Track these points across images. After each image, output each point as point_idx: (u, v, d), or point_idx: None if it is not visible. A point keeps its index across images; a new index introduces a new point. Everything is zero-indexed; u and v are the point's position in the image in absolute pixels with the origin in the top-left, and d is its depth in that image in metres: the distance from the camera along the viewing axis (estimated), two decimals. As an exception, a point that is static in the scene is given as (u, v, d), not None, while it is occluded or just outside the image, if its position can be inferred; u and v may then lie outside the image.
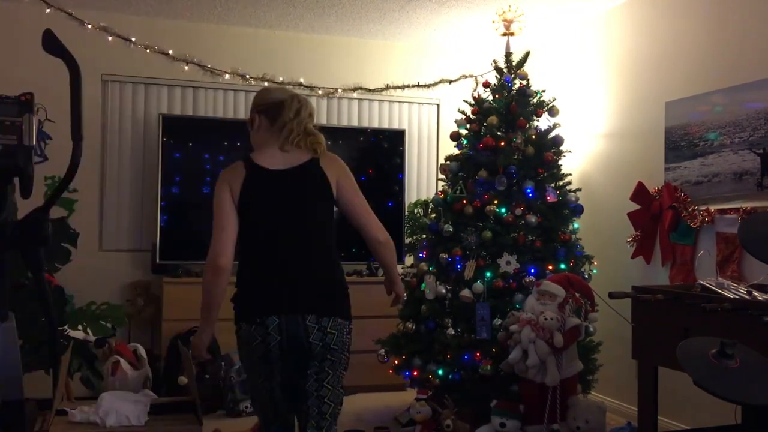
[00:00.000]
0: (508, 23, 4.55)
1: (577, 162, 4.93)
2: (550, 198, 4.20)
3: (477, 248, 4.12)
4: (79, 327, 3.82)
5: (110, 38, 5.02)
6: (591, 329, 4.09)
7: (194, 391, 3.03)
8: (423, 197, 5.60)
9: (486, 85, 4.50)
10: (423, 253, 4.40)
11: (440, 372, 4.04)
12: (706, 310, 2.76)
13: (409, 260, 5.22)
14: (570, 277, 3.86)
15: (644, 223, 4.29)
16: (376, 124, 5.70)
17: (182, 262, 5.00)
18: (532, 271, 4.07)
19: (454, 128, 4.53)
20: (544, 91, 4.45)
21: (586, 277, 4.19)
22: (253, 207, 2.46)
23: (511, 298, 4.03)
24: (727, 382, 2.18)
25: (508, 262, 4.06)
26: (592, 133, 4.92)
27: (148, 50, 5.11)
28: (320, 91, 5.52)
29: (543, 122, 4.42)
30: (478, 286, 4.01)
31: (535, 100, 4.40)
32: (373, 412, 4.57)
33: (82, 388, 3.95)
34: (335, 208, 2.58)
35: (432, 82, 5.70)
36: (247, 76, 5.33)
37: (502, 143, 4.23)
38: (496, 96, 4.41)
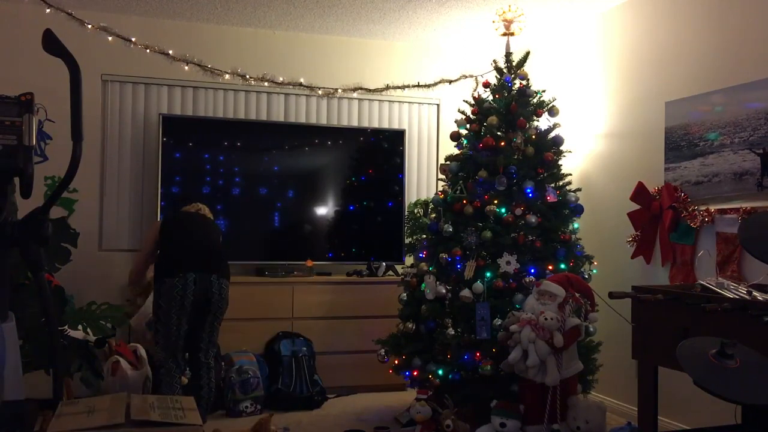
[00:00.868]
0: (508, 23, 4.55)
1: (577, 162, 4.93)
2: (550, 198, 4.20)
3: (477, 248, 4.12)
4: (79, 327, 3.81)
5: (110, 38, 5.02)
6: (591, 329, 4.09)
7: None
8: (423, 197, 5.60)
9: (486, 85, 4.50)
10: (423, 253, 4.40)
11: (440, 372, 4.04)
12: (706, 310, 2.76)
13: (409, 260, 5.22)
14: (570, 277, 3.86)
15: (644, 223, 4.29)
16: (376, 124, 5.70)
17: (182, 262, 5.00)
18: (532, 271, 4.07)
19: (454, 128, 4.53)
20: (544, 91, 4.45)
21: (586, 277, 4.19)
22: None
23: (511, 298, 4.03)
24: (727, 382, 2.18)
25: (508, 262, 4.06)
26: (592, 133, 4.92)
27: (148, 50, 5.11)
28: (320, 91, 5.52)
29: (543, 122, 4.42)
30: (478, 286, 4.01)
31: (535, 100, 4.40)
32: (373, 412, 4.57)
33: (82, 388, 3.95)
34: None
35: (432, 82, 5.70)
36: (247, 76, 5.33)
37: (502, 143, 4.23)
38: (496, 96, 4.41)
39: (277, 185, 5.30)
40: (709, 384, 2.17)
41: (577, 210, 4.31)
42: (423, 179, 5.84)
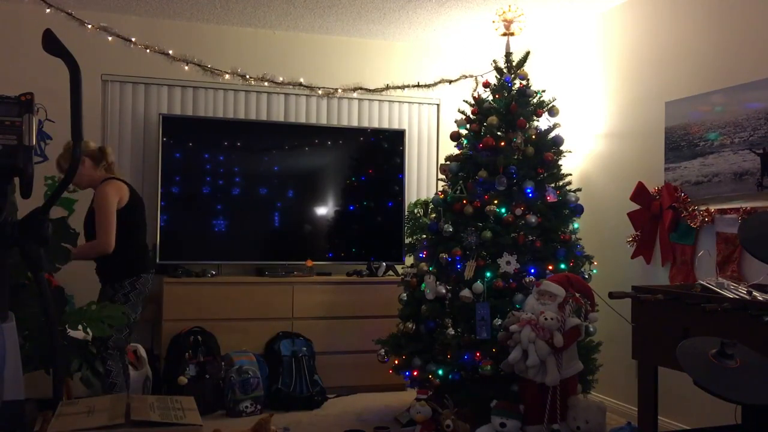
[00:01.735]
0: (508, 23, 4.55)
1: (577, 162, 4.93)
2: (550, 198, 4.20)
3: (477, 248, 4.12)
4: (79, 327, 3.80)
5: (110, 38, 5.02)
6: (591, 329, 4.09)
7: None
8: (423, 197, 5.59)
9: (486, 85, 4.50)
10: (423, 253, 4.40)
11: (440, 372, 4.04)
12: (706, 310, 2.76)
13: (409, 260, 5.22)
14: (570, 277, 3.86)
15: (644, 223, 4.29)
16: (376, 124, 5.70)
17: (182, 262, 5.01)
18: (532, 271, 4.07)
19: (454, 128, 4.53)
20: (544, 91, 4.45)
21: (586, 277, 4.19)
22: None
23: (511, 298, 4.03)
24: (727, 382, 2.18)
25: (508, 262, 4.06)
26: (592, 133, 4.92)
27: (148, 50, 5.11)
28: (320, 91, 5.52)
29: (543, 122, 4.42)
30: (478, 286, 4.01)
31: (535, 100, 4.40)
32: (373, 412, 4.57)
33: (82, 388, 3.94)
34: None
35: (432, 82, 5.70)
36: (247, 76, 5.33)
37: (502, 143, 4.23)
38: (496, 96, 4.41)
39: (277, 185, 5.30)
40: (709, 384, 2.17)
41: (577, 210, 4.31)
42: (423, 179, 5.84)
